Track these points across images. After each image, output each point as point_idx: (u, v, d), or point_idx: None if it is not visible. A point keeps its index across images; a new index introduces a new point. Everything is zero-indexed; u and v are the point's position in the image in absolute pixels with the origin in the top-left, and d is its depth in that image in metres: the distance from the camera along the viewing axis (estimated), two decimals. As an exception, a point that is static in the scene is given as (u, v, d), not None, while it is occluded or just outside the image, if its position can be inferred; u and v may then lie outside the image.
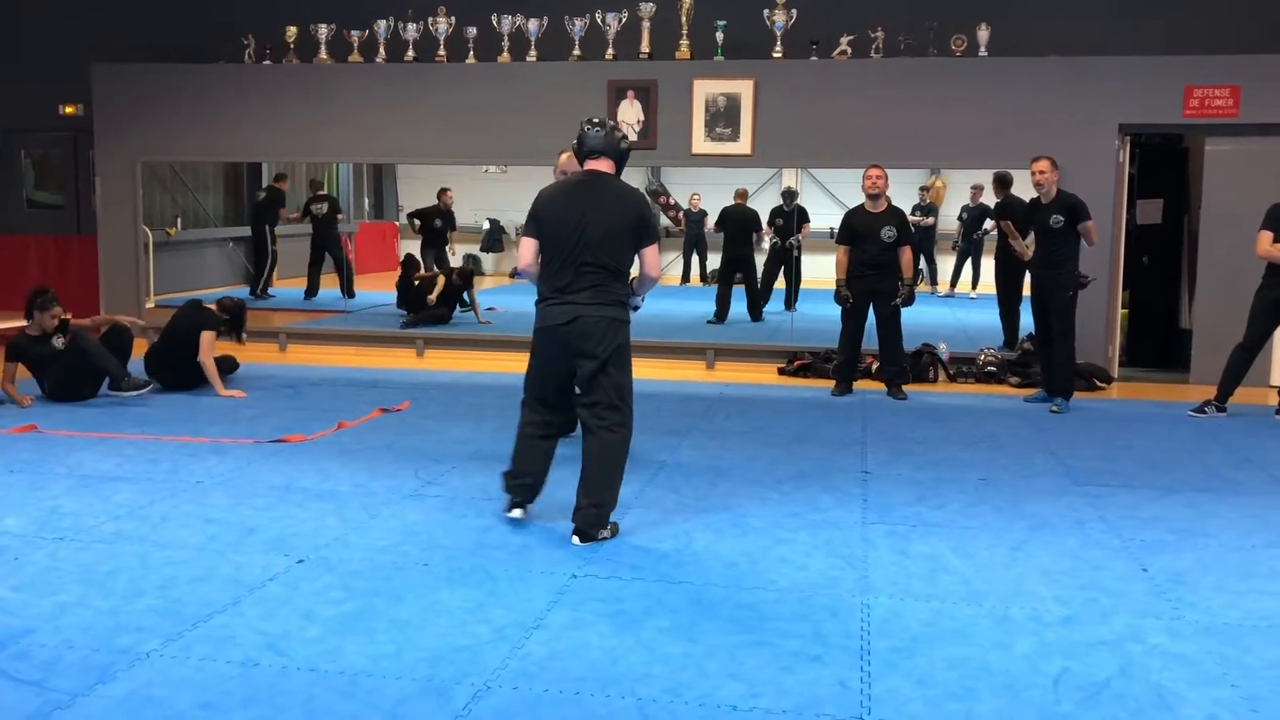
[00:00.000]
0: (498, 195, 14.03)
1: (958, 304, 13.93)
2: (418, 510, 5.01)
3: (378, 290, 14.16)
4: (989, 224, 14.58)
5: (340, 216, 13.17)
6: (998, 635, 3.63)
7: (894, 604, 3.89)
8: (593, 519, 4.52)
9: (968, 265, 15.10)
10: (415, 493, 5.31)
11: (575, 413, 4.73)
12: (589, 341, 4.49)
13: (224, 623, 3.64)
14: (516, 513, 4.80)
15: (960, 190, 15.07)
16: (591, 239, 4.52)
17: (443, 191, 12.67)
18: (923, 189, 13.86)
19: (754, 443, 6.51)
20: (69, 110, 11.11)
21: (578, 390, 4.60)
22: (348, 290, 13.11)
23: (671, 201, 15.26)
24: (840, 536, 4.67)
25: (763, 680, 3.26)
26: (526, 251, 4.67)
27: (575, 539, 4.50)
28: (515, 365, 6.02)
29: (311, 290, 12.93)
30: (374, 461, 5.92)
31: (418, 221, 12.46)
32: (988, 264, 15.26)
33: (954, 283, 14.41)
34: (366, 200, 16.90)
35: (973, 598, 3.97)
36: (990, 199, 13.63)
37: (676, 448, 6.36)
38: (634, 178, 14.77)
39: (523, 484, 4.79)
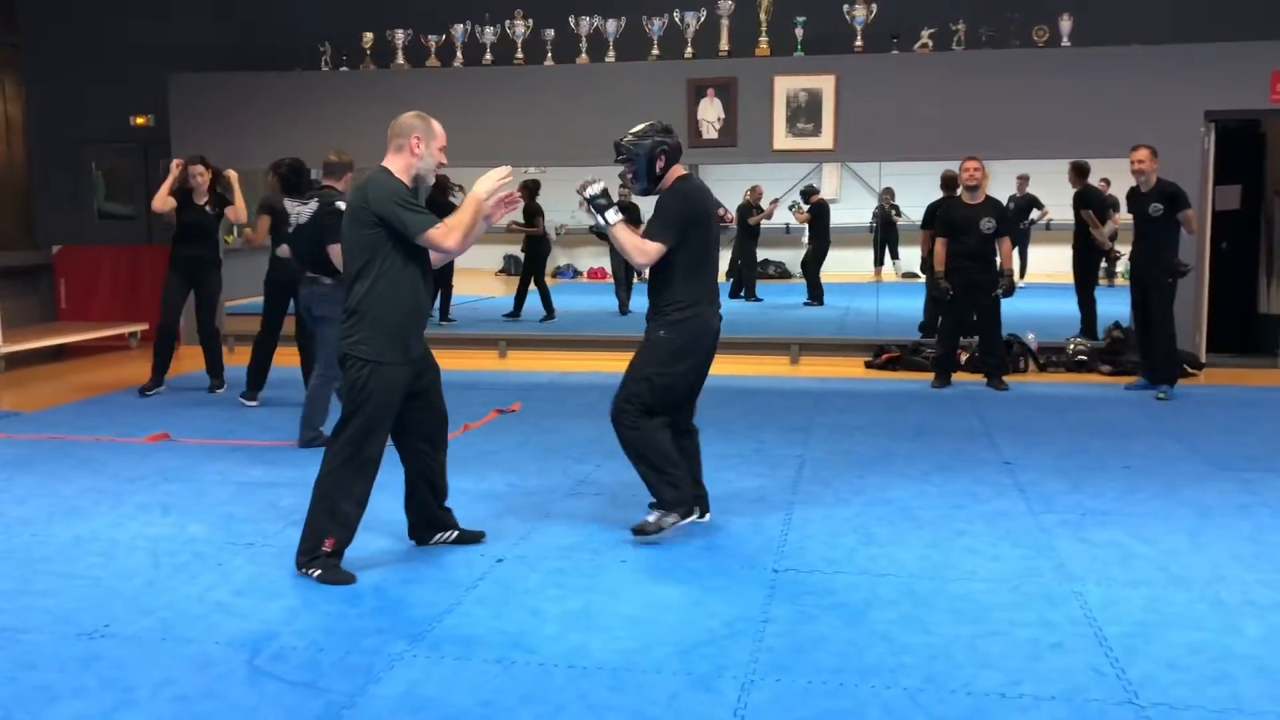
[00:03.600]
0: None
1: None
2: (584, 507, 5.06)
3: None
4: (1035, 214, 14.68)
5: None
6: (1222, 619, 3.67)
7: (1105, 591, 3.94)
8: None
9: (1015, 255, 15.14)
10: (573, 491, 5.36)
11: None
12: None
13: (456, 623, 3.69)
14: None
15: (1004, 180, 15.10)
16: (717, 239, 4.74)
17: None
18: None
19: (879, 436, 6.55)
20: (139, 121, 11.14)
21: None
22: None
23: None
24: (1017, 527, 4.72)
25: (1016, 668, 3.31)
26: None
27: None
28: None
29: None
30: (514, 461, 5.96)
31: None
32: (1035, 253, 15.36)
33: (1002, 273, 14.46)
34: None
35: (1178, 584, 4.01)
36: (1049, 189, 13.72)
37: (805, 442, 6.40)
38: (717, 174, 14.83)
39: (695, 494, 4.73)
